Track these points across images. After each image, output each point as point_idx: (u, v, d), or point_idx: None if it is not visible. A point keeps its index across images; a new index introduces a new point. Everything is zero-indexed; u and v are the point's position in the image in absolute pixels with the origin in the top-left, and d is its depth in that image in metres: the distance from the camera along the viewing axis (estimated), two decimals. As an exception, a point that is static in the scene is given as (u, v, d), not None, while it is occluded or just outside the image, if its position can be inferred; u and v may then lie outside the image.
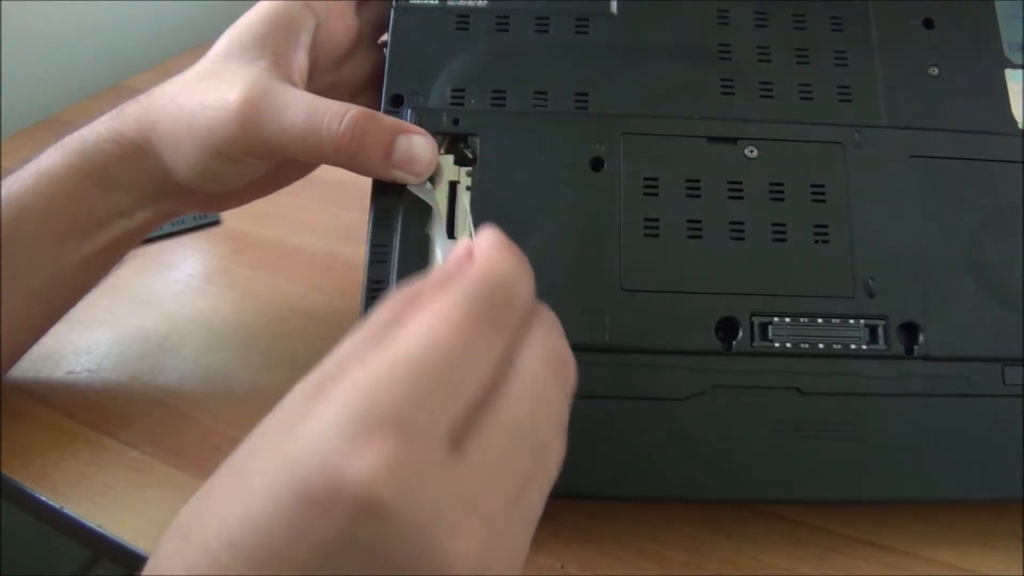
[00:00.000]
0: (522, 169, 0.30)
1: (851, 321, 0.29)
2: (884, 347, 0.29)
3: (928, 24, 0.33)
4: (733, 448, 0.28)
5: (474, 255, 0.20)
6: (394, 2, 0.33)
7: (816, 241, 0.30)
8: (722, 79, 0.32)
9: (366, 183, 0.30)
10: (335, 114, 0.28)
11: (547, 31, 0.32)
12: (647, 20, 0.32)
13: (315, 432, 0.17)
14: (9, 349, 0.34)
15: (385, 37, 0.33)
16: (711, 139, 0.31)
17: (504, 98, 0.31)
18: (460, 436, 0.18)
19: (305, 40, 0.32)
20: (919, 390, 0.28)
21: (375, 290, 0.29)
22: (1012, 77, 0.32)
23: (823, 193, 0.30)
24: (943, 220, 0.30)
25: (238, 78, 0.29)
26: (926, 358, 0.29)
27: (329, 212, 0.48)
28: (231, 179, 0.31)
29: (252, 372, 0.38)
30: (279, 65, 0.30)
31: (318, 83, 0.33)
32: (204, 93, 0.30)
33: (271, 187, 0.36)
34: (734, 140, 0.31)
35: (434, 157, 0.29)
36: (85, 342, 0.39)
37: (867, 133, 0.31)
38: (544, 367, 0.20)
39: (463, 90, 0.31)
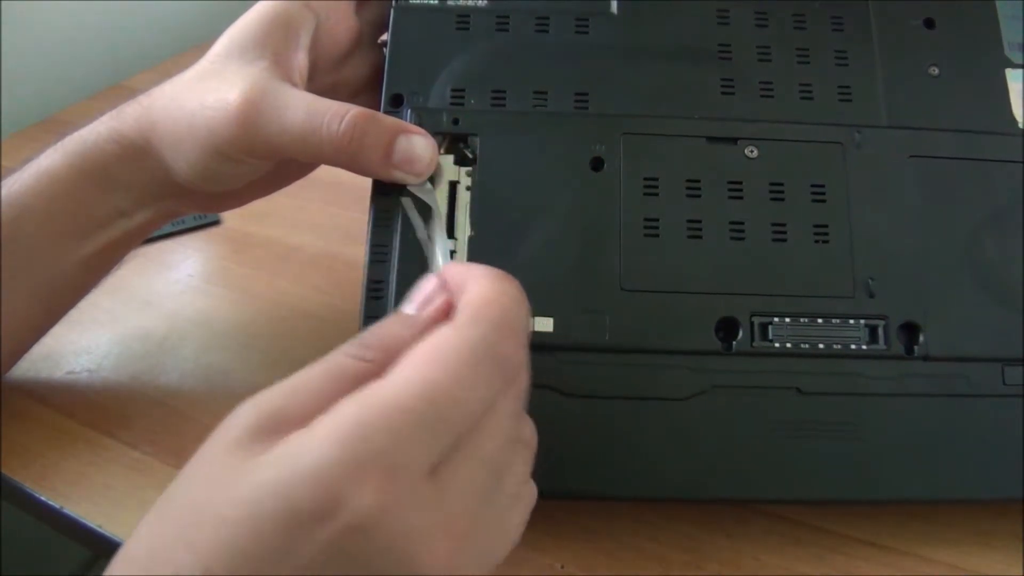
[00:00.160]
0: (522, 169, 0.30)
1: (851, 321, 0.29)
2: (884, 347, 0.29)
3: (928, 24, 0.33)
4: (733, 448, 0.28)
5: (479, 289, 0.21)
6: (394, 2, 0.33)
7: (816, 241, 0.30)
8: (722, 79, 0.32)
9: (366, 183, 0.30)
10: (335, 114, 0.28)
11: (547, 31, 0.32)
12: (647, 20, 0.32)
13: (307, 465, 0.18)
14: (9, 349, 0.34)
15: (385, 37, 0.33)
16: (711, 139, 0.31)
17: (504, 98, 0.31)
18: (439, 465, 0.19)
19: (305, 40, 0.32)
20: (919, 390, 0.28)
21: (375, 290, 0.29)
22: (1012, 77, 0.32)
23: (823, 193, 0.30)
24: (943, 220, 0.30)
25: (238, 78, 0.29)
26: (926, 358, 0.29)
27: (329, 212, 0.48)
28: (231, 179, 0.31)
29: (252, 372, 0.38)
30: (279, 65, 0.30)
31: (318, 83, 0.33)
32: (204, 93, 0.30)
33: (271, 187, 0.36)
34: (734, 140, 0.31)
35: (434, 157, 0.29)
36: (85, 342, 0.39)
37: (867, 133, 0.31)
38: (515, 406, 0.22)
39: (463, 90, 0.31)
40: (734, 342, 0.28)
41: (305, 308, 0.41)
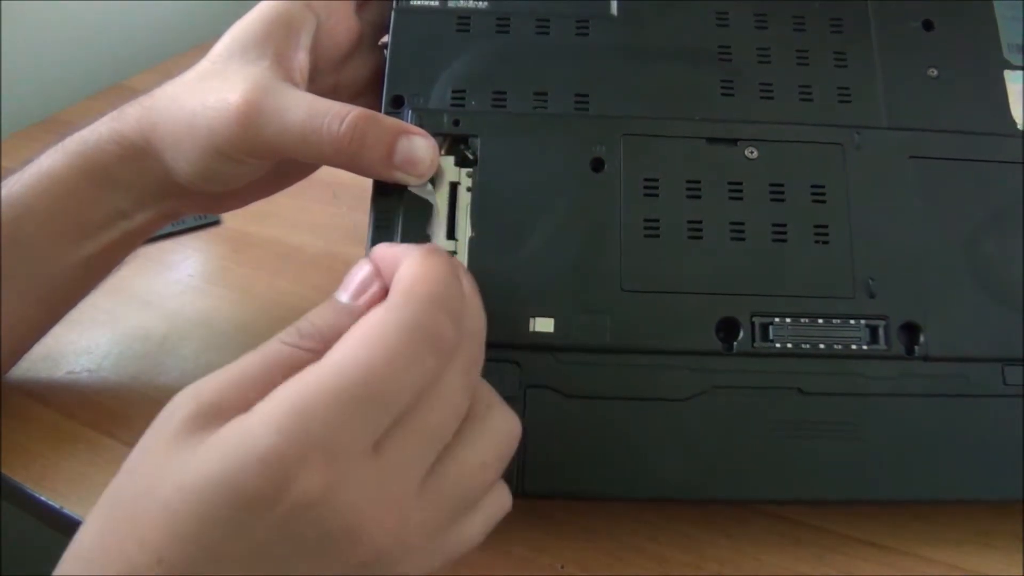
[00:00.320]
0: (523, 170, 0.30)
1: (851, 321, 0.29)
2: (885, 347, 0.29)
3: (927, 26, 0.33)
4: (734, 448, 0.28)
5: (410, 269, 0.22)
6: (395, 3, 0.33)
7: (816, 242, 0.30)
8: (722, 80, 0.32)
9: (366, 184, 0.30)
10: (336, 115, 0.28)
11: (547, 32, 0.32)
12: (647, 22, 0.32)
13: (251, 452, 0.18)
14: (9, 349, 0.34)
15: (385, 39, 0.33)
16: (711, 140, 0.31)
17: (505, 99, 0.31)
18: (382, 439, 0.20)
19: (306, 40, 0.32)
20: (919, 390, 0.28)
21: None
22: (1011, 78, 0.32)
23: (823, 194, 0.30)
24: (943, 220, 0.30)
25: (239, 78, 0.29)
26: (926, 358, 0.29)
27: (329, 212, 0.48)
28: (232, 179, 0.31)
29: (252, 372, 0.38)
30: (280, 65, 0.30)
31: (319, 84, 0.33)
32: (205, 93, 0.30)
33: (272, 188, 0.36)
34: (734, 141, 0.31)
35: (435, 158, 0.29)
36: (85, 342, 0.39)
37: (867, 134, 0.31)
38: (460, 379, 0.22)
39: (464, 91, 0.31)
40: (735, 342, 0.28)
41: (305, 308, 0.41)
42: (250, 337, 0.39)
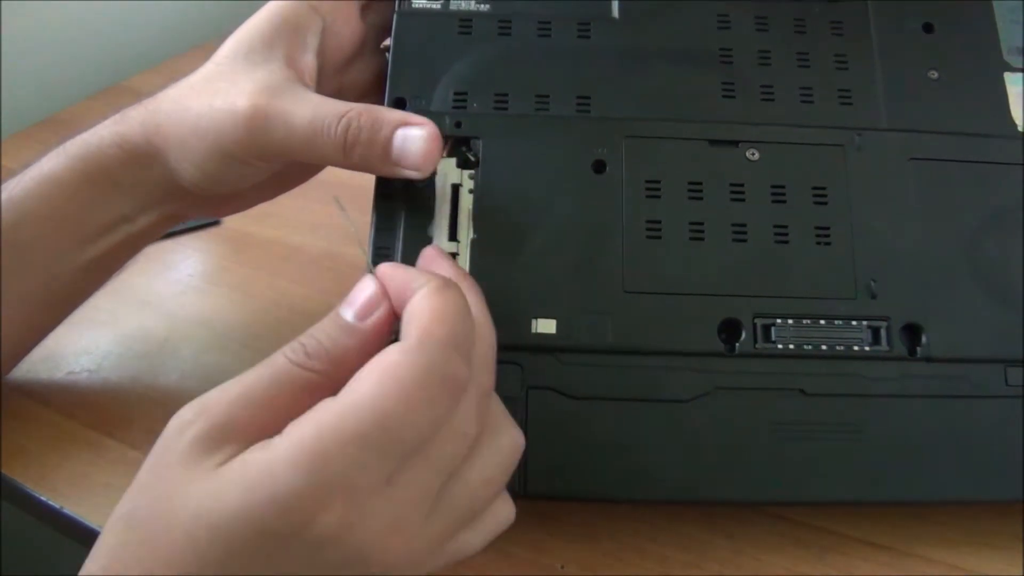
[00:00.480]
0: (525, 172, 0.30)
1: (853, 323, 0.29)
2: (887, 348, 0.29)
3: (927, 28, 0.33)
4: (736, 450, 0.28)
5: (423, 305, 0.22)
6: (397, 6, 0.33)
7: (818, 243, 0.30)
8: (723, 83, 0.32)
9: (367, 184, 0.30)
10: (335, 115, 0.28)
11: (549, 35, 0.32)
12: (648, 24, 0.32)
13: (275, 492, 0.19)
14: (10, 352, 0.34)
15: (388, 41, 0.33)
16: (712, 142, 0.31)
17: (506, 102, 0.31)
18: (394, 473, 0.21)
19: (313, 43, 0.31)
20: (921, 391, 0.28)
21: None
22: (1011, 80, 0.32)
23: (824, 195, 0.30)
24: (944, 222, 0.30)
25: (247, 80, 0.29)
26: (928, 359, 0.29)
27: (330, 212, 0.47)
28: (237, 181, 0.31)
29: (252, 372, 0.38)
30: (288, 67, 0.30)
31: (324, 88, 0.33)
32: (212, 96, 0.30)
33: (276, 191, 0.36)
34: (735, 143, 0.31)
35: (433, 149, 0.28)
36: (85, 342, 0.39)
37: (868, 136, 0.31)
38: (474, 409, 0.22)
39: (465, 94, 0.31)
40: (737, 343, 0.29)
41: (305, 308, 0.41)
42: (250, 337, 0.40)
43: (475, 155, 0.30)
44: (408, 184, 0.29)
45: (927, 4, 0.33)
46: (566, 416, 0.28)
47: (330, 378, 0.21)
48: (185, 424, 0.21)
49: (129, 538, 0.20)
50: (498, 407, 0.24)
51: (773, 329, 0.29)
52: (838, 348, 0.29)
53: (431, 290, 0.22)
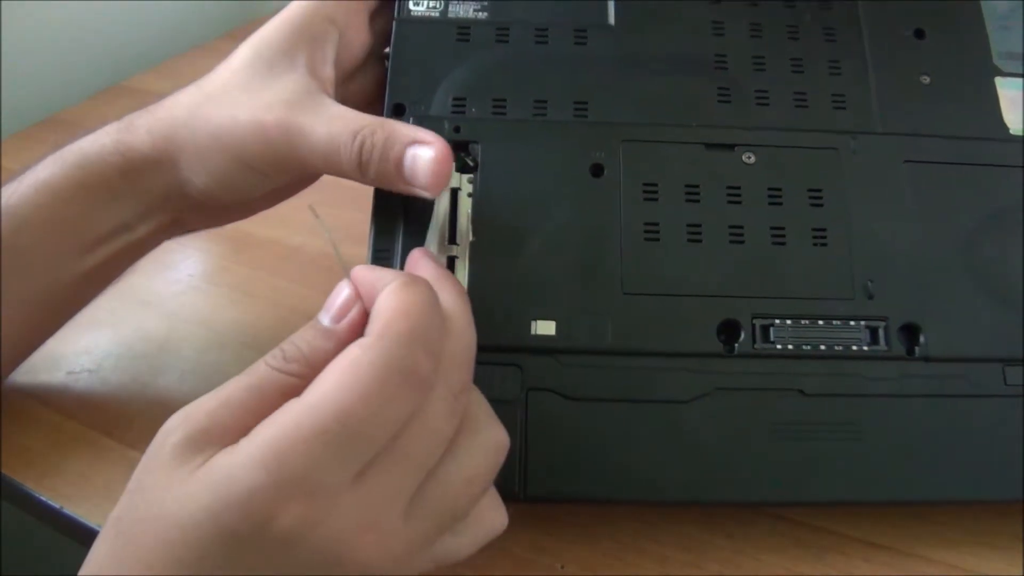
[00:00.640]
0: (523, 176, 0.30)
1: (851, 323, 0.29)
2: (885, 348, 0.29)
3: (919, 34, 0.33)
4: (736, 450, 0.28)
5: (386, 302, 0.22)
6: (396, 14, 0.33)
7: (815, 244, 0.30)
8: (718, 88, 0.32)
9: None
10: (350, 132, 0.28)
11: (546, 42, 0.32)
12: (644, 31, 0.33)
13: (235, 492, 0.20)
14: (9, 357, 0.34)
15: (388, 49, 0.33)
16: (709, 146, 0.31)
17: (505, 107, 0.31)
18: (364, 469, 0.21)
19: (331, 54, 0.31)
20: (920, 391, 0.28)
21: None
22: (1002, 84, 0.33)
23: (820, 197, 0.30)
24: (939, 222, 0.30)
25: (271, 93, 0.29)
26: (927, 359, 0.29)
27: (329, 212, 0.47)
28: (251, 190, 0.31)
29: (252, 372, 0.38)
30: (311, 78, 0.30)
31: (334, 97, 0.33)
32: (235, 107, 0.29)
33: (280, 197, 0.35)
34: (731, 147, 0.31)
35: (441, 170, 0.28)
36: (85, 342, 0.39)
37: (862, 139, 0.31)
38: (446, 406, 0.22)
39: (464, 99, 0.31)
40: (736, 344, 0.29)
41: (305, 308, 0.41)
42: (250, 337, 0.40)
43: (474, 159, 0.30)
44: None
45: (918, 10, 0.34)
46: (566, 417, 0.28)
47: (308, 381, 0.21)
48: (169, 431, 0.21)
49: (116, 543, 0.21)
50: (479, 406, 0.24)
51: (772, 330, 0.29)
52: (837, 348, 0.29)
53: (395, 287, 0.22)
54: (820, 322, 0.29)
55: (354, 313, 0.23)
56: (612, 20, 0.33)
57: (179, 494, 0.20)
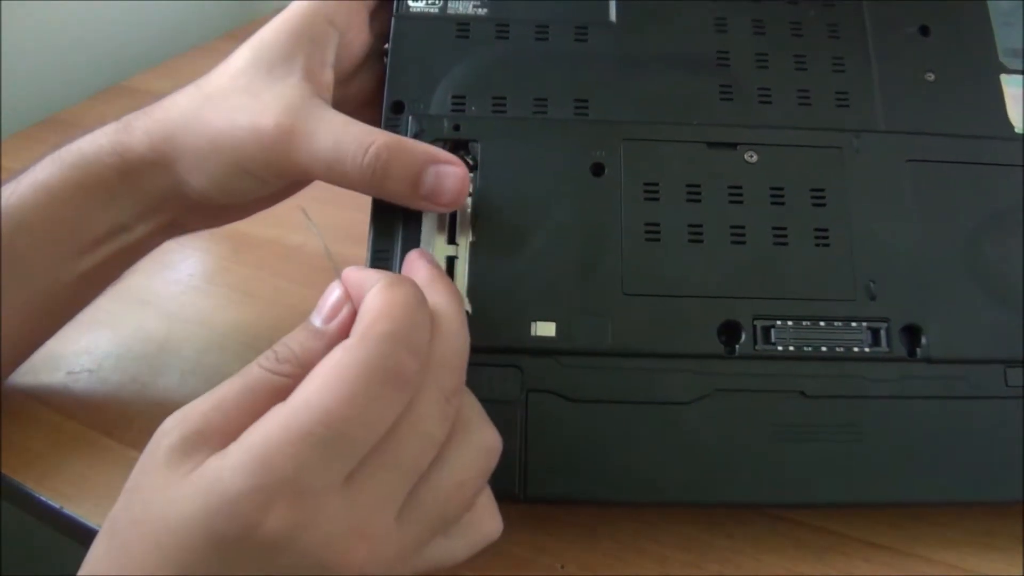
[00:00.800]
0: (523, 174, 0.30)
1: (853, 324, 0.29)
2: (886, 349, 0.29)
3: (923, 31, 0.33)
4: (736, 451, 0.28)
5: (371, 303, 0.22)
6: (395, 11, 0.33)
7: (817, 245, 0.30)
8: (721, 86, 0.32)
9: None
10: (360, 144, 0.28)
11: (547, 39, 0.32)
12: (646, 28, 0.33)
13: (221, 496, 0.20)
14: (7, 359, 0.34)
15: (387, 46, 0.33)
16: (711, 144, 0.31)
17: (505, 105, 0.31)
18: (354, 472, 0.21)
19: (330, 57, 0.31)
20: (921, 392, 0.28)
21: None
22: (1007, 82, 0.33)
23: (823, 197, 0.30)
24: (942, 223, 0.30)
25: (270, 97, 0.29)
26: (928, 360, 0.29)
27: (329, 212, 0.47)
28: (248, 194, 0.31)
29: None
30: (308, 82, 0.30)
31: (332, 97, 0.33)
32: (233, 111, 0.29)
33: (278, 199, 0.35)
34: (733, 145, 0.31)
35: (463, 188, 0.28)
36: (85, 342, 0.39)
37: (865, 138, 0.31)
38: (436, 409, 0.22)
39: (464, 97, 0.31)
40: (737, 345, 0.29)
41: (305, 308, 0.41)
42: (250, 337, 0.40)
43: (473, 158, 0.30)
44: None
45: (923, 7, 0.33)
46: (566, 419, 0.28)
47: (298, 381, 0.22)
48: (164, 433, 0.21)
49: (112, 543, 0.21)
50: (471, 408, 0.24)
51: (773, 331, 0.29)
52: (838, 349, 0.29)
53: (379, 287, 0.22)
54: (821, 323, 0.29)
55: (344, 314, 0.23)
56: (613, 17, 0.33)
57: (172, 497, 0.20)
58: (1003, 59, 0.33)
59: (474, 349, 0.24)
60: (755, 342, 0.29)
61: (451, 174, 0.28)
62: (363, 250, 0.30)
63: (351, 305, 0.23)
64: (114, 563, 0.21)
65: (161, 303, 0.42)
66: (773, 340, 0.29)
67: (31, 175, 0.31)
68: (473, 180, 0.30)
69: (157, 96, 0.33)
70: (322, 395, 0.20)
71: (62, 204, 0.31)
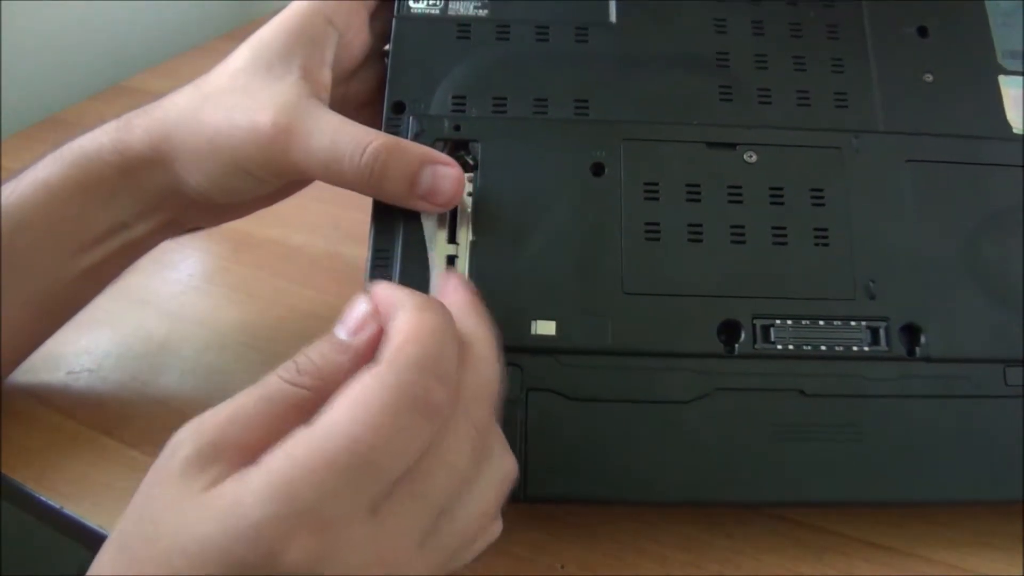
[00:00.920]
0: (523, 174, 0.30)
1: (852, 323, 0.29)
2: (886, 349, 0.29)
3: (922, 32, 0.33)
4: (736, 450, 0.28)
5: (401, 325, 0.21)
6: (396, 12, 0.33)
7: (816, 244, 0.30)
8: (720, 86, 0.32)
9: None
10: (357, 144, 0.28)
11: (547, 40, 0.32)
12: (646, 29, 0.33)
13: (241, 524, 0.19)
14: (8, 357, 0.34)
15: (387, 47, 0.33)
16: (710, 145, 0.31)
17: (505, 105, 0.31)
18: (380, 502, 0.20)
19: (329, 56, 0.31)
20: (921, 391, 0.28)
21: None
22: (1005, 83, 0.33)
23: (822, 197, 0.30)
24: (941, 222, 0.30)
25: (267, 96, 0.29)
26: (928, 359, 0.29)
27: (329, 212, 0.48)
28: (246, 193, 0.31)
29: (252, 372, 0.37)
30: (306, 82, 0.30)
31: (331, 97, 0.33)
32: (230, 110, 0.29)
33: (278, 198, 0.35)
34: (733, 145, 0.31)
35: (459, 189, 0.29)
36: (85, 342, 0.39)
37: (864, 138, 0.31)
38: (466, 443, 0.22)
39: (464, 97, 0.31)
40: (736, 344, 0.29)
41: (305, 308, 0.41)
42: (250, 337, 0.40)
43: (474, 158, 0.30)
44: None
45: (921, 8, 0.34)
46: (566, 418, 0.28)
47: (320, 394, 0.21)
48: (178, 444, 0.21)
49: (120, 558, 0.20)
50: (495, 436, 0.24)
51: (772, 330, 0.29)
52: (837, 348, 0.29)
53: (410, 310, 0.22)
54: (821, 322, 0.29)
55: (371, 330, 0.22)
56: (613, 18, 0.33)
57: (187, 516, 0.19)
58: (1001, 60, 0.33)
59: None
60: (755, 341, 0.29)
61: (447, 174, 0.28)
62: (363, 250, 0.30)
63: (379, 322, 0.23)
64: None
65: (161, 303, 0.42)
66: (773, 339, 0.29)
67: (32, 173, 0.31)
68: (473, 180, 0.30)
69: (157, 96, 0.33)
70: (349, 422, 0.20)
71: (63, 202, 0.31)
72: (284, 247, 0.46)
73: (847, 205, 0.30)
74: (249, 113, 0.29)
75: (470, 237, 0.29)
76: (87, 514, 0.31)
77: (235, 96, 0.30)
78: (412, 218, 0.30)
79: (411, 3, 0.33)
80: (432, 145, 0.30)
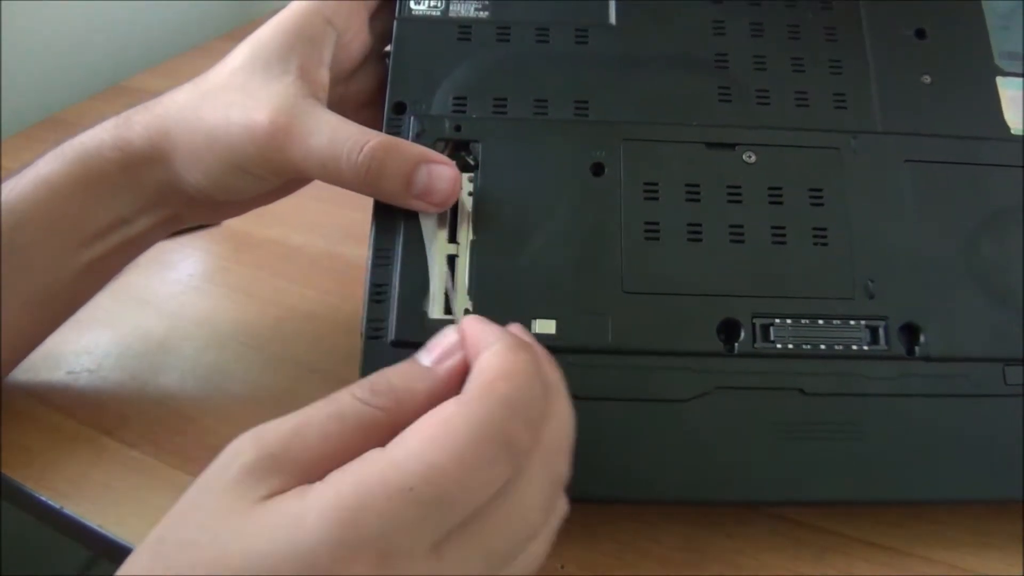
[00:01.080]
0: (524, 174, 0.30)
1: (852, 322, 0.29)
2: (885, 348, 0.29)
3: (920, 34, 0.33)
4: (736, 449, 0.28)
5: (492, 361, 0.21)
6: (397, 13, 0.33)
7: (815, 244, 0.30)
8: (719, 87, 0.32)
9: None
10: (355, 143, 0.28)
11: (547, 41, 0.33)
12: (645, 30, 0.33)
13: (298, 546, 0.18)
14: (8, 356, 0.34)
15: (388, 48, 0.33)
16: (710, 145, 0.31)
17: (505, 106, 0.31)
18: (442, 540, 0.19)
19: (327, 56, 0.31)
20: (920, 390, 0.28)
21: (377, 294, 0.29)
22: (1003, 84, 0.33)
23: (821, 197, 0.30)
24: (940, 222, 0.30)
25: (264, 95, 0.29)
26: (927, 358, 0.29)
27: (329, 212, 0.48)
28: (245, 190, 0.31)
29: (252, 372, 0.38)
30: (305, 82, 0.30)
31: (329, 97, 0.33)
32: (228, 108, 0.30)
33: (278, 195, 0.36)
34: (732, 146, 0.31)
35: (454, 188, 0.29)
36: (85, 342, 0.39)
37: (863, 139, 0.31)
38: (542, 496, 0.21)
39: (465, 98, 0.31)
40: (736, 343, 0.29)
41: (305, 308, 0.41)
42: (251, 337, 0.40)
43: (474, 158, 0.30)
44: None
45: (919, 10, 0.34)
46: None
47: (392, 417, 0.20)
48: (237, 452, 0.20)
49: (155, 565, 0.19)
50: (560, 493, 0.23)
51: (772, 329, 0.29)
52: (837, 348, 0.29)
53: (503, 347, 0.21)
54: (820, 321, 0.29)
55: (455, 360, 0.22)
56: (613, 19, 0.33)
57: (239, 527, 0.19)
58: (999, 62, 0.33)
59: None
60: (754, 340, 0.29)
61: (442, 174, 0.28)
62: (363, 250, 0.30)
63: (464, 354, 0.22)
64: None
65: (161, 303, 0.42)
66: (772, 338, 0.29)
67: (32, 170, 0.31)
68: (474, 180, 0.30)
69: (157, 95, 0.33)
70: (429, 450, 0.19)
71: (63, 198, 0.31)
72: (284, 247, 0.46)
73: (846, 205, 0.30)
74: (246, 111, 0.29)
75: (470, 236, 0.29)
76: (87, 514, 0.31)
77: (233, 94, 0.30)
78: (413, 217, 0.30)
79: (412, 4, 0.33)
80: (433, 145, 0.30)
